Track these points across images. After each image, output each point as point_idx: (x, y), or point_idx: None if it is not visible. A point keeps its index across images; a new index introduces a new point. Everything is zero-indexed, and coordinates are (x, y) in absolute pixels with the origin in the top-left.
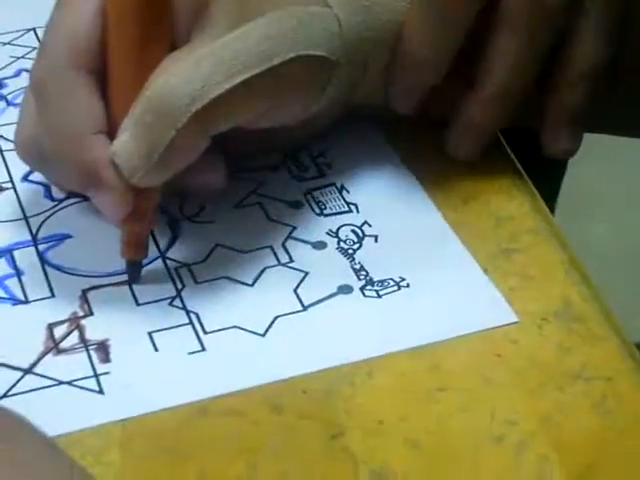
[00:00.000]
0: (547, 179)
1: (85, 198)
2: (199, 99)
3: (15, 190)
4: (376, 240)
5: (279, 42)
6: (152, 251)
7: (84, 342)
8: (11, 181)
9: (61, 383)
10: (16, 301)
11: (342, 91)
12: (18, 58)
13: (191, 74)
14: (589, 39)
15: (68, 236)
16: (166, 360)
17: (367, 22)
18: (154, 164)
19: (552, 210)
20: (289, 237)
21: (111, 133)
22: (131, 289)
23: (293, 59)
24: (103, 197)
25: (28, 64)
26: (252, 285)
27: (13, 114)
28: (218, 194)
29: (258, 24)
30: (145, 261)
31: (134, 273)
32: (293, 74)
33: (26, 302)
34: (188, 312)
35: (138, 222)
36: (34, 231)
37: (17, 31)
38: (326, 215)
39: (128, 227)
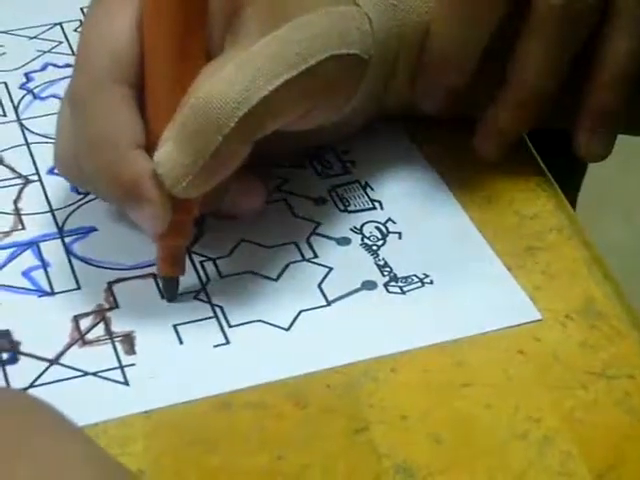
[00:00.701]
0: (568, 179)
1: None
2: (244, 103)
3: (42, 183)
4: (400, 237)
5: (313, 43)
6: None
7: (109, 334)
8: (37, 174)
9: (87, 374)
10: (42, 293)
11: (374, 89)
12: (44, 52)
13: (234, 79)
14: (623, 40)
15: (94, 229)
16: (191, 353)
17: (396, 20)
18: (198, 173)
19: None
20: (313, 233)
21: (148, 147)
22: (156, 282)
23: (328, 59)
24: (142, 211)
25: (54, 58)
26: (276, 280)
27: (39, 107)
28: (256, 216)
29: (291, 27)
30: None
31: (170, 290)
32: (329, 74)
33: (52, 294)
34: (213, 306)
35: (176, 237)
36: (60, 224)
37: (43, 25)
38: (350, 212)
39: (165, 242)
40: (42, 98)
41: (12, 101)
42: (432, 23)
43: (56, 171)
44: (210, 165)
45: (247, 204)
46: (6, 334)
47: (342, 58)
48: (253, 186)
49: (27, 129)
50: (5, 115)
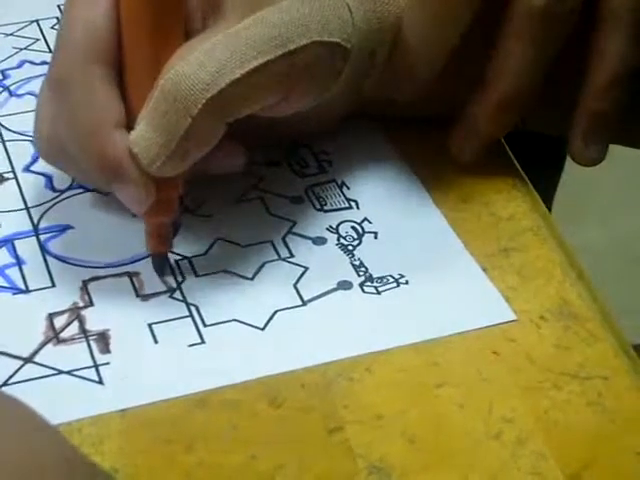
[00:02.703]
0: (544, 179)
1: (86, 189)
2: (213, 85)
3: (17, 180)
4: (376, 237)
5: (293, 28)
6: None
7: (84, 332)
8: (13, 171)
9: (61, 373)
10: (17, 290)
11: (354, 81)
12: (21, 49)
13: (204, 61)
14: (614, 44)
15: (69, 227)
16: (166, 352)
17: (375, 12)
18: (172, 153)
19: (548, 211)
20: (289, 232)
21: (129, 126)
22: (132, 281)
23: (308, 45)
24: (126, 190)
25: (31, 55)
26: (252, 279)
27: (15, 105)
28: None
29: (271, 12)
30: (146, 253)
31: (160, 265)
32: (308, 60)
33: (27, 292)
34: (188, 305)
35: (161, 214)
36: (35, 221)
37: (20, 22)
38: (326, 211)
39: (152, 219)
40: (18, 95)
41: None
42: (404, 18)
43: (32, 168)
44: (183, 145)
45: (229, 166)
46: None
47: (323, 45)
48: (233, 149)
49: (3, 126)
50: None
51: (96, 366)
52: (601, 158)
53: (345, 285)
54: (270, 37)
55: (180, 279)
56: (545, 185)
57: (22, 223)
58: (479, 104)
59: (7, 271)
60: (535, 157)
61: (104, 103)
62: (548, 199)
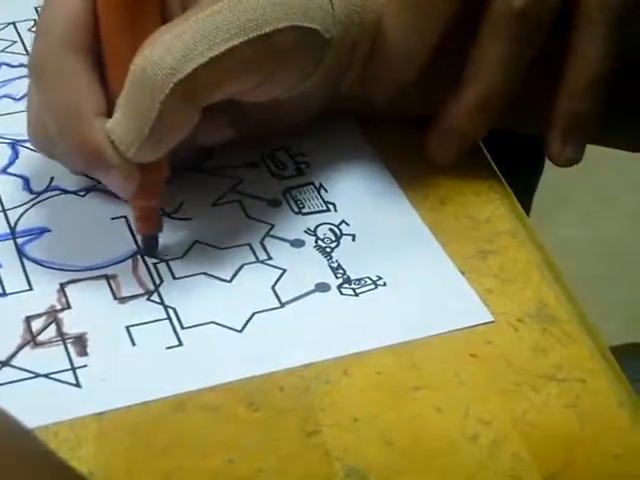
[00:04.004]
0: (524, 180)
1: (64, 191)
2: (180, 70)
3: None
4: (353, 239)
5: (271, 11)
6: (130, 246)
7: (61, 335)
8: None
9: (38, 376)
10: None
11: (331, 74)
12: None
13: (172, 46)
14: (593, 45)
15: (47, 230)
16: (143, 354)
17: (355, 6)
18: (146, 138)
19: (528, 210)
20: (267, 235)
21: (109, 113)
22: (109, 283)
23: (287, 29)
24: (110, 176)
25: (8, 58)
26: (230, 281)
27: None
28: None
29: None
30: (123, 256)
31: (151, 247)
32: (286, 44)
33: (4, 295)
34: (166, 307)
35: (148, 197)
36: (12, 224)
37: None
38: (304, 214)
39: (139, 203)
40: None
41: None
42: (383, 16)
43: (9, 170)
44: (157, 131)
45: (216, 136)
46: None
47: (302, 30)
48: (216, 120)
49: None
50: None
51: (73, 369)
52: (578, 159)
53: (323, 287)
54: (244, 20)
55: (158, 281)
56: (525, 185)
57: None
58: (456, 103)
59: None
60: (515, 157)
61: (83, 91)
62: (528, 199)
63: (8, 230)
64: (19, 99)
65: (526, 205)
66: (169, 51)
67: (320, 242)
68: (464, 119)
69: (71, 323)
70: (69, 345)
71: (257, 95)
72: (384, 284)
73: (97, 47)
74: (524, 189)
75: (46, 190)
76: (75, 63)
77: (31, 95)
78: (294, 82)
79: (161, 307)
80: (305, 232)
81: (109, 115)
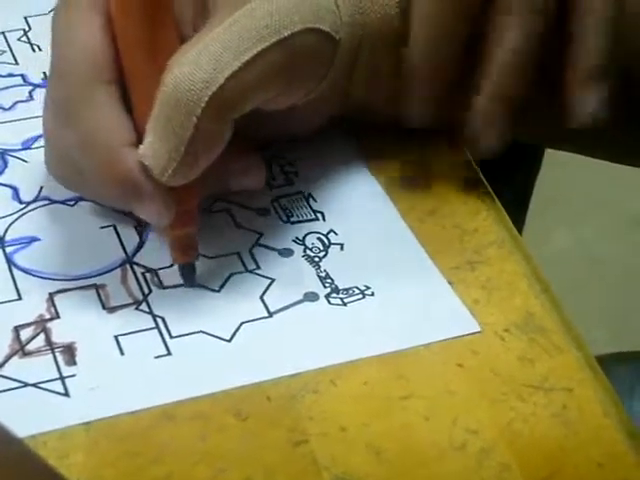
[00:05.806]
0: (520, 185)
1: (53, 201)
2: (213, 82)
3: None
4: (342, 248)
5: (285, 15)
6: (119, 256)
7: (50, 345)
8: None
9: (27, 385)
10: None
11: (339, 75)
12: None
13: (200, 60)
14: (592, 37)
15: (36, 239)
16: (132, 364)
17: (359, 8)
18: (182, 159)
19: (524, 214)
20: (256, 244)
21: (140, 141)
22: (98, 293)
23: (302, 31)
24: (145, 208)
25: None
26: (219, 291)
27: None
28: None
29: (258, 3)
30: (112, 265)
31: (189, 276)
32: (304, 47)
33: None
34: (154, 316)
35: (183, 225)
36: (1, 233)
37: None
38: (293, 223)
39: (176, 232)
40: None
41: None
42: (408, 38)
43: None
44: (192, 150)
45: (248, 183)
46: None
47: (316, 32)
48: (252, 164)
49: None
50: None
51: (62, 378)
52: (602, 111)
53: (311, 297)
54: (261, 27)
55: (146, 291)
56: (522, 187)
57: None
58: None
59: None
60: (512, 160)
61: (110, 123)
62: (525, 201)
63: None
64: (8, 109)
65: (522, 211)
66: (198, 65)
67: (309, 251)
68: (503, 80)
69: (60, 332)
70: (58, 354)
71: (279, 102)
72: (372, 294)
73: (121, 79)
74: (521, 194)
75: (35, 200)
76: (100, 95)
77: (50, 133)
78: (312, 85)
79: (150, 316)
80: (294, 241)
81: (139, 144)
